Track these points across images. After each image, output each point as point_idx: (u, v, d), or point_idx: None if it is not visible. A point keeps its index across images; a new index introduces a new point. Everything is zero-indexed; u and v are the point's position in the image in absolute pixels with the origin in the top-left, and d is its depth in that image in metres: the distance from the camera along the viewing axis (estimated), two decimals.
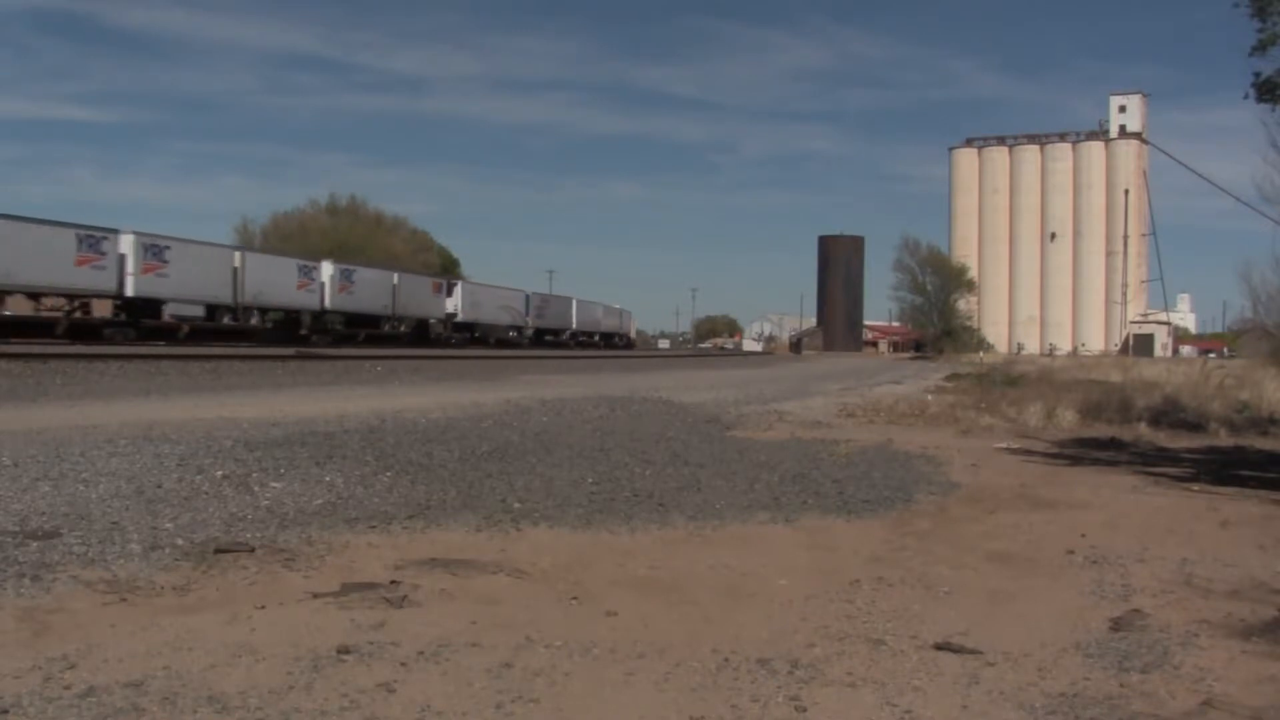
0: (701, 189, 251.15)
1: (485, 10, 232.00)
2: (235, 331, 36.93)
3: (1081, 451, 12.41)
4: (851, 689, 3.71)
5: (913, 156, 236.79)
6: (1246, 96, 12.21)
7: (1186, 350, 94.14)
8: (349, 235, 67.02)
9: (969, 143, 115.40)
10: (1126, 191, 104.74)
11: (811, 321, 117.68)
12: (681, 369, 36.15)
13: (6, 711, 3.22)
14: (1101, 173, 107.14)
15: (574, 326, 65.31)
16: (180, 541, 5.50)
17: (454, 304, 51.56)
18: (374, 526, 6.22)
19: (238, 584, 4.88)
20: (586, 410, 13.98)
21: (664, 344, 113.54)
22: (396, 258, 62.66)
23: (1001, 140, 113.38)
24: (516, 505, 7.10)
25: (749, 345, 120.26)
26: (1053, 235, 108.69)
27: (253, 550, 5.45)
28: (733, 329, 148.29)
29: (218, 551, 5.36)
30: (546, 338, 60.34)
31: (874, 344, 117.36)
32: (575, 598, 4.88)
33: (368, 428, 10.26)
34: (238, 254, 38.08)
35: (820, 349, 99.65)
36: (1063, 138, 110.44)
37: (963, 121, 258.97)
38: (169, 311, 34.87)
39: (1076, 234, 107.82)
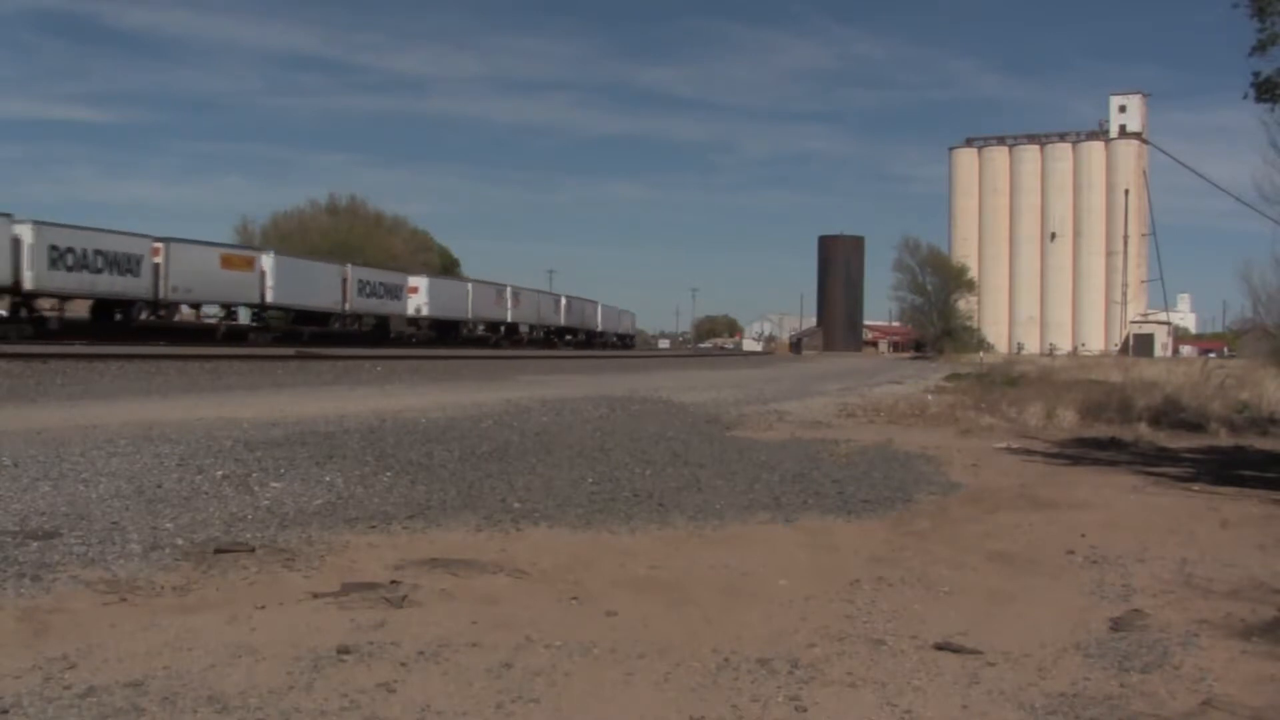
0: (701, 189, 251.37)
1: (487, 11, 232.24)
2: (546, 341, 61.94)
3: (1082, 451, 12.41)
4: (851, 689, 3.71)
5: (913, 156, 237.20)
6: (1246, 96, 12.24)
7: (1186, 350, 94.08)
8: (349, 235, 67.09)
9: (969, 143, 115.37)
10: (1126, 191, 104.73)
11: (811, 321, 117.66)
12: (681, 369, 36.15)
13: (6, 711, 3.22)
14: (1101, 173, 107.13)
15: (632, 331, 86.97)
16: (180, 541, 5.50)
17: (598, 320, 74.43)
18: (374, 526, 6.22)
19: (238, 584, 4.88)
20: (586, 410, 13.98)
21: (664, 344, 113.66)
22: (396, 257, 63.23)
23: (1001, 140, 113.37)
24: (516, 505, 7.10)
25: (749, 345, 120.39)
26: (1053, 235, 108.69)
27: (253, 550, 5.44)
28: (733, 329, 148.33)
29: (218, 551, 5.36)
30: (615, 339, 78.60)
31: (874, 344, 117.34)
32: (575, 598, 4.88)
33: (368, 428, 10.26)
34: (558, 297, 67.05)
35: (820, 349, 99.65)
36: (1063, 138, 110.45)
37: (963, 121, 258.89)
38: (521, 331, 60.66)
39: (1076, 234, 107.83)
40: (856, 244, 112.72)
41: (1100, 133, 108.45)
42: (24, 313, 32.27)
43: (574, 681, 3.69)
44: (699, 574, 5.47)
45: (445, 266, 72.46)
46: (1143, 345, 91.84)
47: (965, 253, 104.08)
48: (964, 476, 9.63)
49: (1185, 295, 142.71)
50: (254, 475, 7.34)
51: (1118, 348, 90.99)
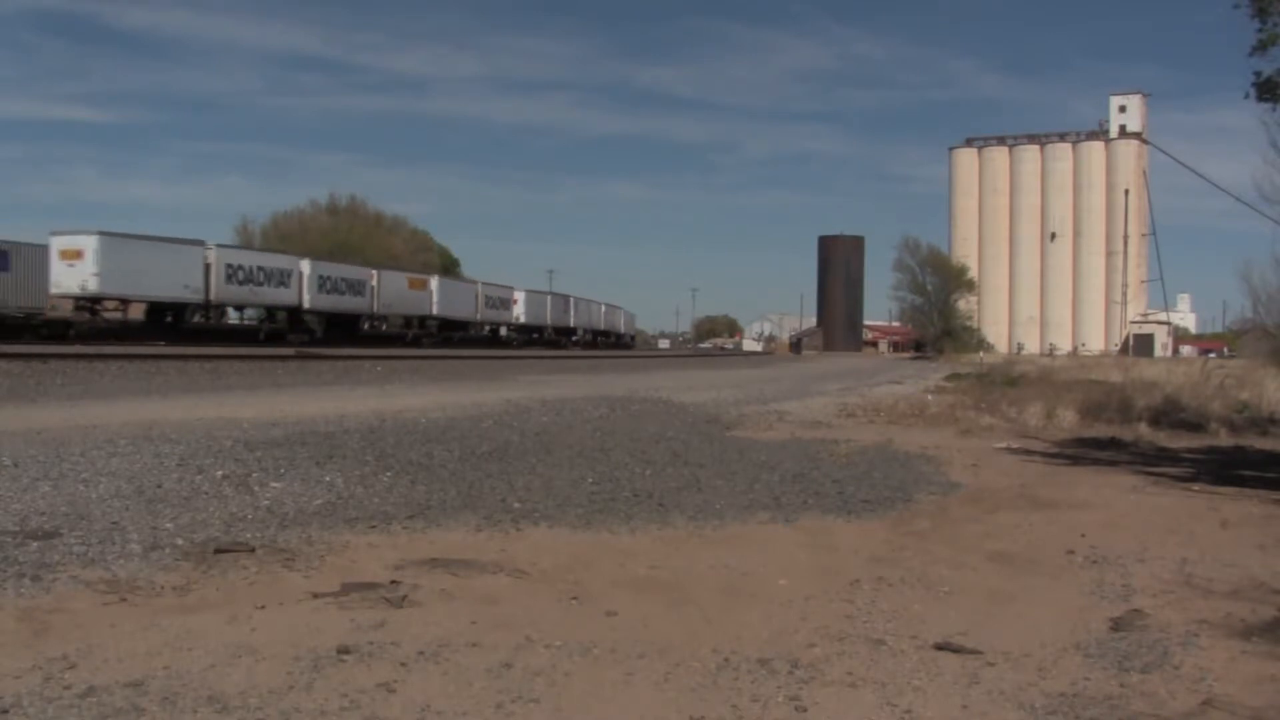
0: (701, 189, 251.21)
1: (487, 11, 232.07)
2: (592, 343, 68.87)
3: (1082, 451, 12.41)
4: (851, 689, 3.71)
5: (913, 156, 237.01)
6: (1247, 96, 12.22)
7: (1186, 350, 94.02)
8: (349, 235, 67.13)
9: (969, 143, 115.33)
10: (1126, 191, 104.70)
11: (811, 321, 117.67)
12: (681, 369, 36.14)
13: (6, 711, 3.22)
14: (1101, 173, 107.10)
15: (633, 331, 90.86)
16: (180, 541, 5.50)
17: (621, 323, 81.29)
18: (374, 526, 6.22)
19: (238, 584, 4.88)
20: (586, 410, 13.98)
21: (664, 344, 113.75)
22: (396, 258, 63.36)
23: (1001, 140, 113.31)
24: (516, 505, 7.10)
25: (749, 345, 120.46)
26: (1053, 235, 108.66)
27: (253, 550, 5.45)
28: (733, 329, 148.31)
29: (218, 551, 5.36)
30: (629, 339, 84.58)
31: (874, 344, 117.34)
32: (575, 598, 4.88)
33: (368, 428, 10.26)
34: (600, 305, 74.23)
35: (820, 349, 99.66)
36: (1063, 138, 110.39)
37: (963, 121, 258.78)
38: (578, 334, 68.09)
39: (1076, 234, 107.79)
40: (856, 244, 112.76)
41: (1100, 133, 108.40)
42: (299, 324, 44.49)
43: (574, 681, 3.69)
44: (699, 574, 5.47)
45: (445, 267, 72.47)
46: (1143, 345, 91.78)
47: (965, 253, 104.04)
48: (964, 476, 9.63)
49: (1185, 295, 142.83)
50: (254, 475, 7.34)
51: (1118, 348, 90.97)
